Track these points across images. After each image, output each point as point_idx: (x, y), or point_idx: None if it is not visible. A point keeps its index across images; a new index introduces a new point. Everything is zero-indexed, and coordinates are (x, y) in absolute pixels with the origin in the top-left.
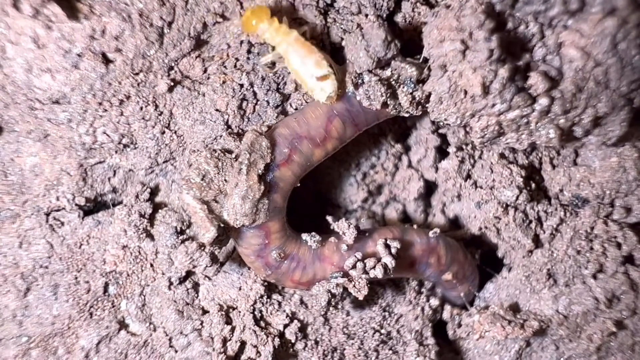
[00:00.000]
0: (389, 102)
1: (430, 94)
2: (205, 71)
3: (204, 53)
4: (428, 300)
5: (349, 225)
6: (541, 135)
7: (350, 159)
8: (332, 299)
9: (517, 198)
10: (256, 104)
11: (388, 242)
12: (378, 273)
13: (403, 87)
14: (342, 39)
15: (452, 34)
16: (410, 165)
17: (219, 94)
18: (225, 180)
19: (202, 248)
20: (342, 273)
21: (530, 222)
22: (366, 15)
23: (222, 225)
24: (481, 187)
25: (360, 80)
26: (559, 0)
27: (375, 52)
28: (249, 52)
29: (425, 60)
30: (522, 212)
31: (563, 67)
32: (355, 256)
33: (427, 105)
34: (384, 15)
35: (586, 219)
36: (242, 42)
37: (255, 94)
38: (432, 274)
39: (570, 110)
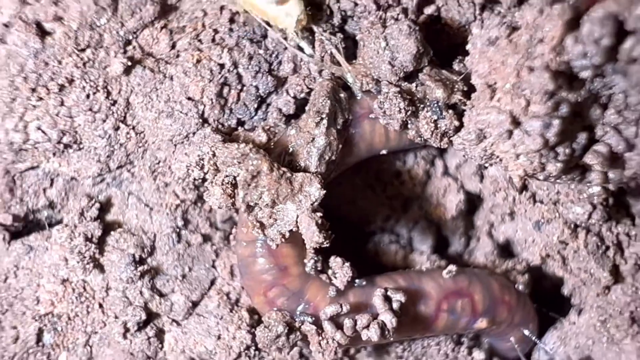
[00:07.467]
0: (410, 124)
1: (459, 126)
2: (173, 47)
3: (172, 23)
4: (470, 354)
5: (343, 264)
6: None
7: (366, 164)
8: (283, 339)
9: (590, 216)
10: (241, 90)
11: (389, 293)
12: (373, 335)
13: (427, 112)
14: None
15: (503, 95)
16: (446, 173)
17: (191, 77)
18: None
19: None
20: (314, 318)
21: (608, 248)
22: (394, 19)
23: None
24: (542, 202)
25: (376, 88)
26: None
27: (403, 67)
28: (231, 21)
29: (467, 77)
30: (597, 235)
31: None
32: (341, 305)
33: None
34: (415, 12)
35: None
36: (222, 8)
37: (239, 77)
38: (469, 323)
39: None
